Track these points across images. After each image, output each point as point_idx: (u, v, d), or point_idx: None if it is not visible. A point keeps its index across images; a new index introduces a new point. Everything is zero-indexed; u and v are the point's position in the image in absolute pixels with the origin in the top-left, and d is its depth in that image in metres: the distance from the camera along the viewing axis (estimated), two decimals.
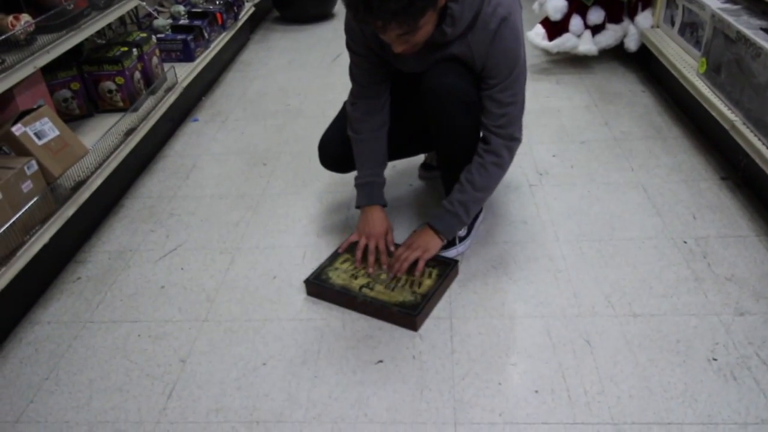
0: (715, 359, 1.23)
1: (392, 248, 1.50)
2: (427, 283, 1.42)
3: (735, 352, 1.24)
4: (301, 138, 2.26)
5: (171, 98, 2.21)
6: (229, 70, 2.98)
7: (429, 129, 1.45)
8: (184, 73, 2.38)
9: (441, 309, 1.40)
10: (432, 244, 1.46)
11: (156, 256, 1.67)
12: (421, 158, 1.93)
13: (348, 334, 1.36)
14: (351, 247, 1.53)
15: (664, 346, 1.27)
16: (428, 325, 1.36)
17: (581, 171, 1.91)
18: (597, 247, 1.57)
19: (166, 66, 2.33)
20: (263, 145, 2.22)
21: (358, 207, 1.54)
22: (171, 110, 2.23)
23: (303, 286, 1.49)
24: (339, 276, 1.46)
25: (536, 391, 1.19)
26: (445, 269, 1.46)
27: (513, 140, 1.38)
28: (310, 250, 1.64)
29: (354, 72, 1.47)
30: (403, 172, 1.96)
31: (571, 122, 2.22)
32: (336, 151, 1.59)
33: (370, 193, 1.52)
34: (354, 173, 1.55)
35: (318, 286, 1.45)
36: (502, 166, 1.40)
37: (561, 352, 1.27)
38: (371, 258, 1.47)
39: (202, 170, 2.09)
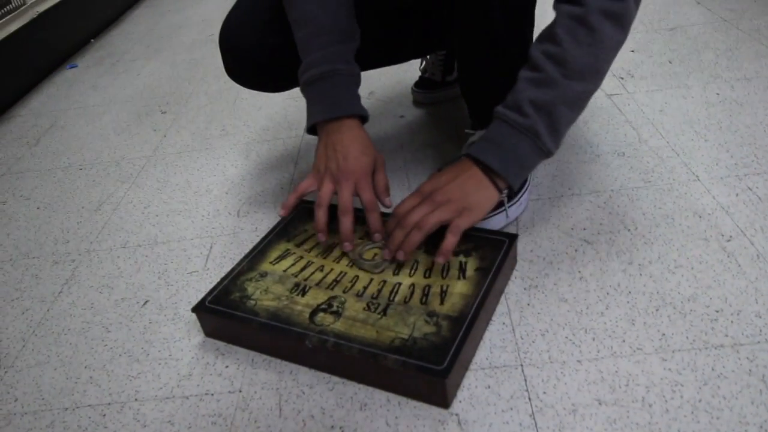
0: None
1: (386, 201, 0.72)
2: (460, 288, 0.64)
3: None
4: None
5: (12, 27, 1.41)
6: (137, 7, 2.17)
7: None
8: None
9: (497, 346, 0.63)
10: (477, 197, 0.66)
11: None
12: (413, 71, 1.15)
13: (289, 429, 0.58)
14: (306, 213, 0.77)
15: None
16: (472, 388, 0.59)
17: (689, 66, 1.13)
18: None
19: None
20: (166, 87, 1.43)
21: (310, 130, 0.75)
22: (24, 51, 1.44)
23: (196, 318, 0.70)
24: (267, 291, 0.68)
25: None
26: (495, 256, 0.68)
27: None
28: (222, 243, 0.86)
29: None
30: (387, 99, 1.18)
31: (647, 2, 1.44)
32: (255, 32, 0.80)
33: (332, 93, 0.72)
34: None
35: (224, 318, 0.66)
36: (622, 20, 0.62)
37: None
38: (346, 222, 0.68)
39: (61, 131, 1.30)
